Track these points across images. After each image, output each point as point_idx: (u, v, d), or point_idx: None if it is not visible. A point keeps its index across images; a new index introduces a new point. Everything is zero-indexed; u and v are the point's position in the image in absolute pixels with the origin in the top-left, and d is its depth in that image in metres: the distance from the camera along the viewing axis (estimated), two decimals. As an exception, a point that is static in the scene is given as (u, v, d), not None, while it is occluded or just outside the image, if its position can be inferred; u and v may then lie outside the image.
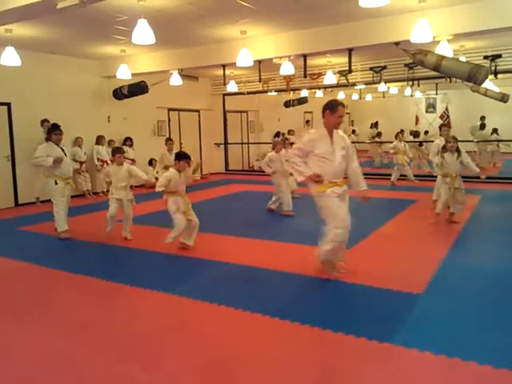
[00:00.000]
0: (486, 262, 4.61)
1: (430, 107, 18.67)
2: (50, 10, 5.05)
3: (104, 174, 5.91)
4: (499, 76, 9.80)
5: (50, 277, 4.56)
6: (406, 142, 11.26)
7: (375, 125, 17.21)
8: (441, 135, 7.22)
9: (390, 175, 10.72)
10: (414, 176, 10.55)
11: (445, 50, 6.80)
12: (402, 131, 11.37)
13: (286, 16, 6.78)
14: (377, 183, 10.57)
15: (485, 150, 13.03)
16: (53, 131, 6.18)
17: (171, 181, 5.19)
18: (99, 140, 10.09)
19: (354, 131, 18.27)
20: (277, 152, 7.36)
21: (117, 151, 6.08)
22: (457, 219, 6.23)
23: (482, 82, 6.72)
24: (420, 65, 6.92)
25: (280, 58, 8.10)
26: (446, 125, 7.32)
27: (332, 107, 4.07)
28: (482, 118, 13.64)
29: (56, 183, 6.04)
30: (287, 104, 14.46)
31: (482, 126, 13.17)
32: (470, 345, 2.87)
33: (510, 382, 2.49)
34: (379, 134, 15.44)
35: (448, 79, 10.19)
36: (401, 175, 10.58)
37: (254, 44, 7.84)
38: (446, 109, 15.37)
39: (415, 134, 13.69)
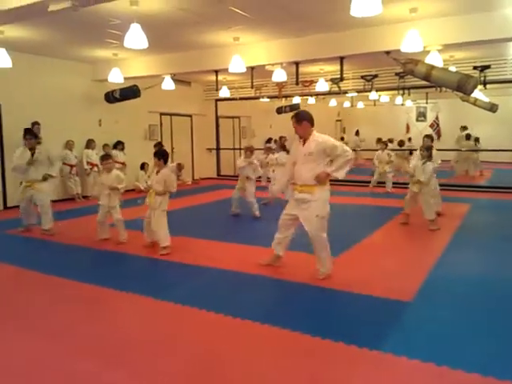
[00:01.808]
0: (474, 271, 4.64)
1: (421, 116, 18.86)
2: (41, 12, 5.02)
3: (97, 183, 6.03)
4: (488, 86, 9.95)
5: (37, 281, 4.50)
6: (392, 150, 11.41)
7: (356, 133, 17.78)
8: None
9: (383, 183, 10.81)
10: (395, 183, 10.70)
11: (435, 59, 6.88)
12: (381, 140, 11.50)
13: (279, 24, 6.82)
14: (373, 190, 10.63)
15: (470, 158, 13.25)
16: (24, 136, 6.35)
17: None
18: (89, 144, 10.02)
19: (342, 138, 18.42)
20: (246, 157, 7.64)
21: (103, 158, 6.12)
22: (434, 226, 6.34)
23: (472, 91, 6.82)
24: (410, 74, 7.00)
25: (272, 64, 8.14)
26: (428, 136, 7.49)
27: None
28: (465, 128, 13.94)
29: (20, 184, 6.61)
30: (279, 110, 14.50)
31: (468, 137, 13.40)
32: (458, 353, 2.88)
33: (497, 390, 2.51)
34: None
35: (438, 89, 10.30)
36: (378, 182, 10.74)
37: (246, 50, 7.87)
38: (437, 118, 15.53)
39: (400, 143, 13.72)
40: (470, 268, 4.76)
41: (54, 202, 8.84)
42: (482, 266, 4.82)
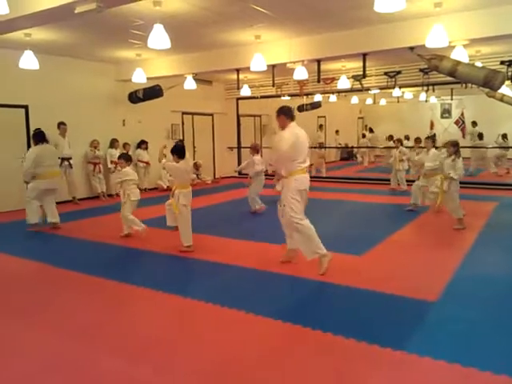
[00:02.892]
0: (500, 271, 4.54)
1: (445, 113, 18.48)
2: (68, 14, 5.14)
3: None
4: (516, 82, 9.67)
5: (61, 277, 4.61)
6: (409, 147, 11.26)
7: (371, 130, 17.89)
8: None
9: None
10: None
11: (460, 55, 6.72)
12: (392, 137, 11.36)
13: (300, 21, 6.78)
14: (394, 188, 10.49)
15: (486, 157, 13.00)
16: None
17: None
18: (113, 143, 10.18)
19: (364, 135, 18.27)
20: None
21: (118, 157, 6.51)
22: (459, 225, 6.22)
23: (499, 87, 6.64)
24: (435, 70, 6.86)
25: (294, 62, 8.10)
26: (428, 137, 7.39)
27: None
28: (474, 123, 13.75)
29: None
30: (300, 108, 14.43)
31: (481, 136, 13.15)
32: (485, 354, 2.82)
33: (525, 392, 2.45)
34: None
35: (463, 85, 10.07)
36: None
37: (267, 49, 7.86)
38: (462, 114, 15.18)
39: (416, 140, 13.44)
40: (496, 268, 4.65)
41: (80, 199, 9.13)
42: (509, 266, 4.71)
